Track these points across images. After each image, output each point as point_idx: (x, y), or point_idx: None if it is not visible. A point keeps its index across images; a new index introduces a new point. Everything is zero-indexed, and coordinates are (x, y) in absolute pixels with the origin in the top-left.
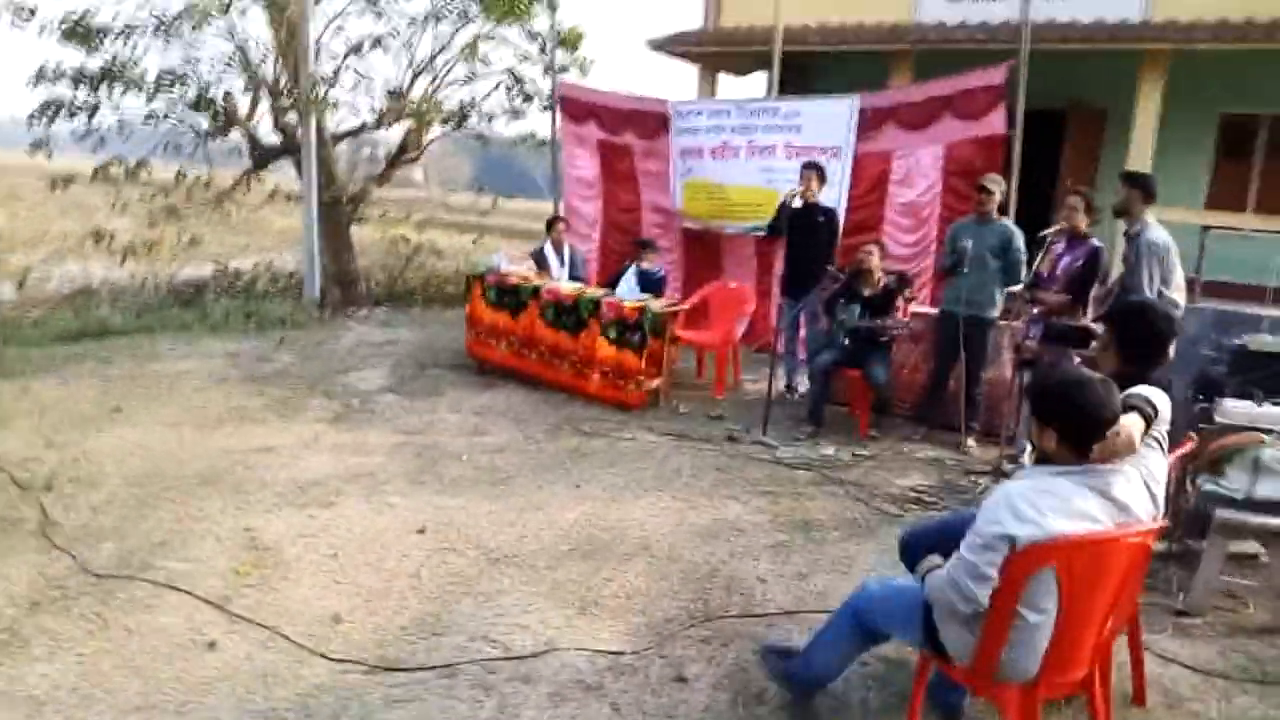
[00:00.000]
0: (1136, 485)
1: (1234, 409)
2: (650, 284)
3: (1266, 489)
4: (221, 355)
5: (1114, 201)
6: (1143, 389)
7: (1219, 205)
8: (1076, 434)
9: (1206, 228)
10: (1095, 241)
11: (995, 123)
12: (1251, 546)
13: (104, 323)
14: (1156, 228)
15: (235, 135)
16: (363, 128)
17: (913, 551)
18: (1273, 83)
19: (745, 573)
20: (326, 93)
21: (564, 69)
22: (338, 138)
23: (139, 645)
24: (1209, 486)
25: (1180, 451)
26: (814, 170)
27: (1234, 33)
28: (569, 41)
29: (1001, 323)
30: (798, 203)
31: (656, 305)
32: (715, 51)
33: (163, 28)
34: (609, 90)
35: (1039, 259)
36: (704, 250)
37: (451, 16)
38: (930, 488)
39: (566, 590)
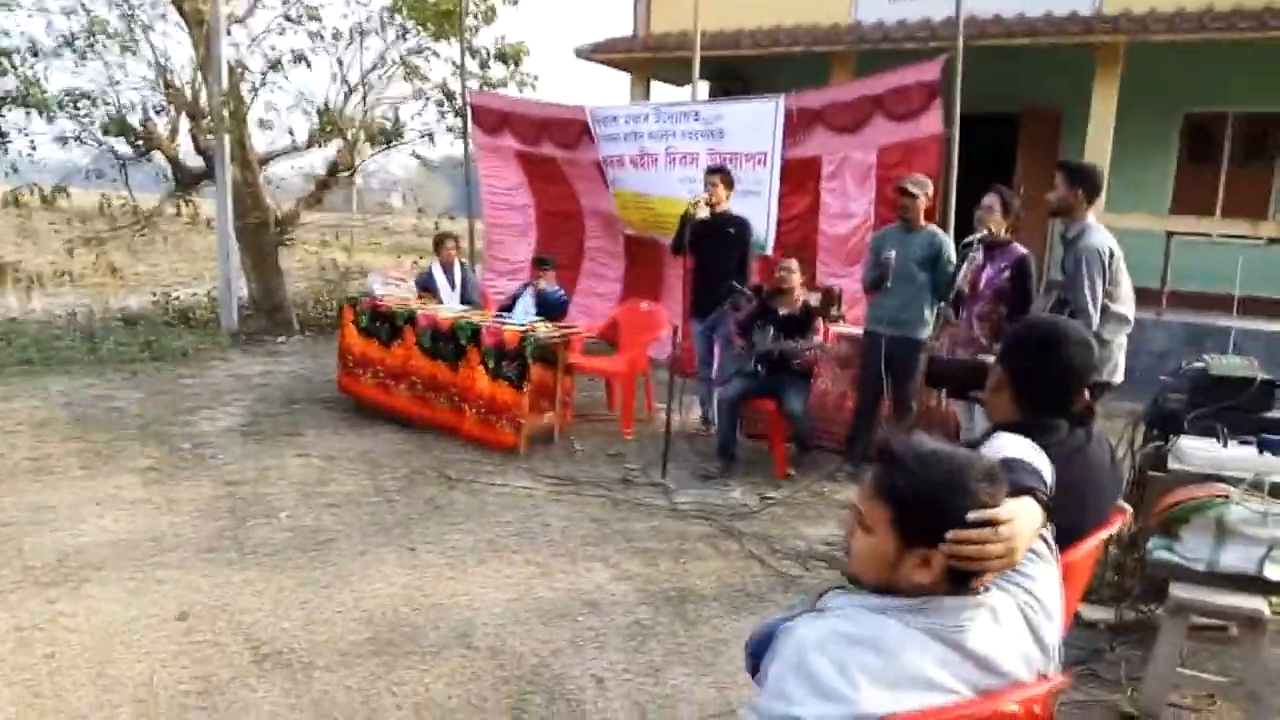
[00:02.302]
0: (1009, 626)
1: (1192, 451)
2: (548, 306)
3: (1233, 558)
4: (58, 393)
5: (1050, 197)
6: (1019, 448)
7: (1185, 210)
8: (920, 531)
9: (1171, 234)
10: (1019, 248)
11: (930, 123)
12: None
13: None
14: (1099, 230)
15: (160, 159)
16: (292, 148)
17: (758, 657)
18: (1238, 78)
19: (580, 670)
20: (237, 111)
21: (502, 84)
22: (265, 159)
23: None
24: (1161, 554)
25: (1100, 536)
26: (719, 175)
27: (1191, 23)
28: (510, 55)
29: (934, 343)
30: (704, 213)
31: (544, 330)
32: (645, 58)
33: (68, 47)
34: (523, 98)
35: (960, 272)
36: (650, 260)
37: (385, 32)
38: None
39: (334, 703)
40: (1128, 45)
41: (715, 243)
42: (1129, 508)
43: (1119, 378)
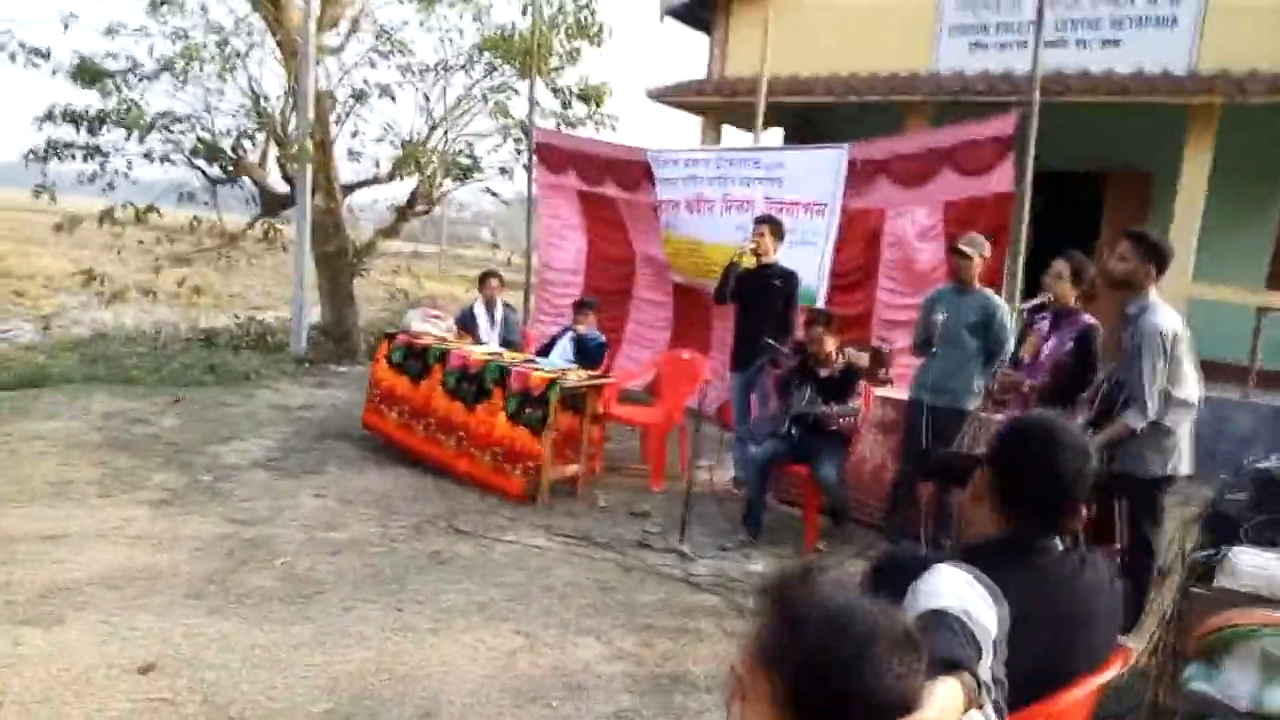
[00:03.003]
0: None
1: (1245, 566)
2: (587, 351)
3: None
4: (101, 413)
5: (1115, 267)
6: (954, 591)
7: None
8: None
9: (1264, 310)
10: (1087, 318)
11: (1001, 179)
12: None
13: (43, 369)
14: (1164, 309)
15: (249, 184)
16: (373, 179)
17: None
18: None
19: None
20: (322, 141)
21: (581, 124)
22: (348, 188)
23: None
24: (1199, 685)
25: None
26: (768, 224)
27: None
28: (592, 96)
29: (984, 415)
30: (750, 262)
31: (574, 376)
32: (717, 102)
33: (167, 71)
34: (588, 137)
35: (1019, 342)
36: (698, 309)
37: (473, 68)
38: None
39: None
40: (1224, 107)
41: (760, 294)
42: (1133, 645)
43: (1185, 469)
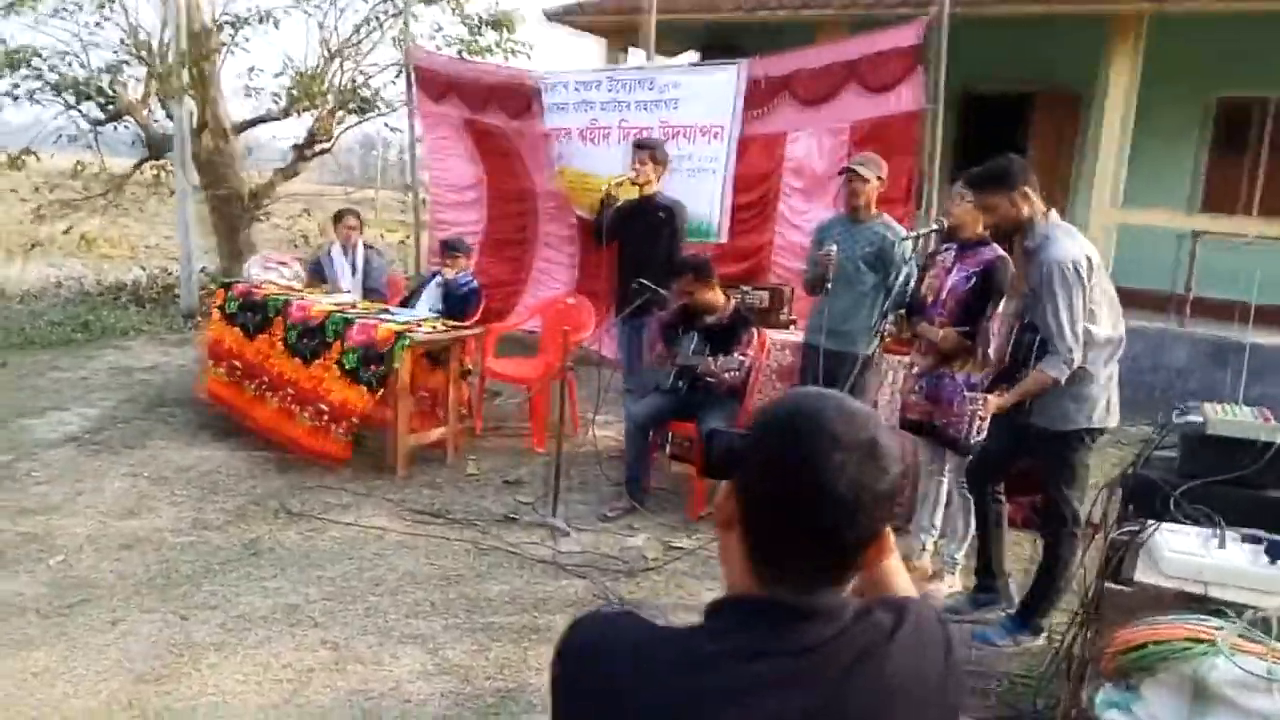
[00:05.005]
0: None
1: (1171, 553)
2: (456, 299)
3: None
4: None
5: (987, 222)
6: None
7: (1213, 207)
8: None
9: (1198, 234)
10: (993, 249)
11: (910, 96)
12: None
13: None
14: (1068, 235)
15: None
16: (266, 116)
17: None
18: (1276, 59)
19: None
20: (202, 74)
21: (488, 52)
22: (241, 127)
23: None
24: (1111, 715)
25: None
26: (648, 151)
27: None
28: (503, 23)
29: (890, 358)
30: (629, 194)
31: (431, 327)
32: (621, 22)
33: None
34: (469, 61)
35: (920, 278)
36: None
37: None
38: None
39: None
40: (1150, 15)
41: (641, 230)
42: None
43: (1114, 419)
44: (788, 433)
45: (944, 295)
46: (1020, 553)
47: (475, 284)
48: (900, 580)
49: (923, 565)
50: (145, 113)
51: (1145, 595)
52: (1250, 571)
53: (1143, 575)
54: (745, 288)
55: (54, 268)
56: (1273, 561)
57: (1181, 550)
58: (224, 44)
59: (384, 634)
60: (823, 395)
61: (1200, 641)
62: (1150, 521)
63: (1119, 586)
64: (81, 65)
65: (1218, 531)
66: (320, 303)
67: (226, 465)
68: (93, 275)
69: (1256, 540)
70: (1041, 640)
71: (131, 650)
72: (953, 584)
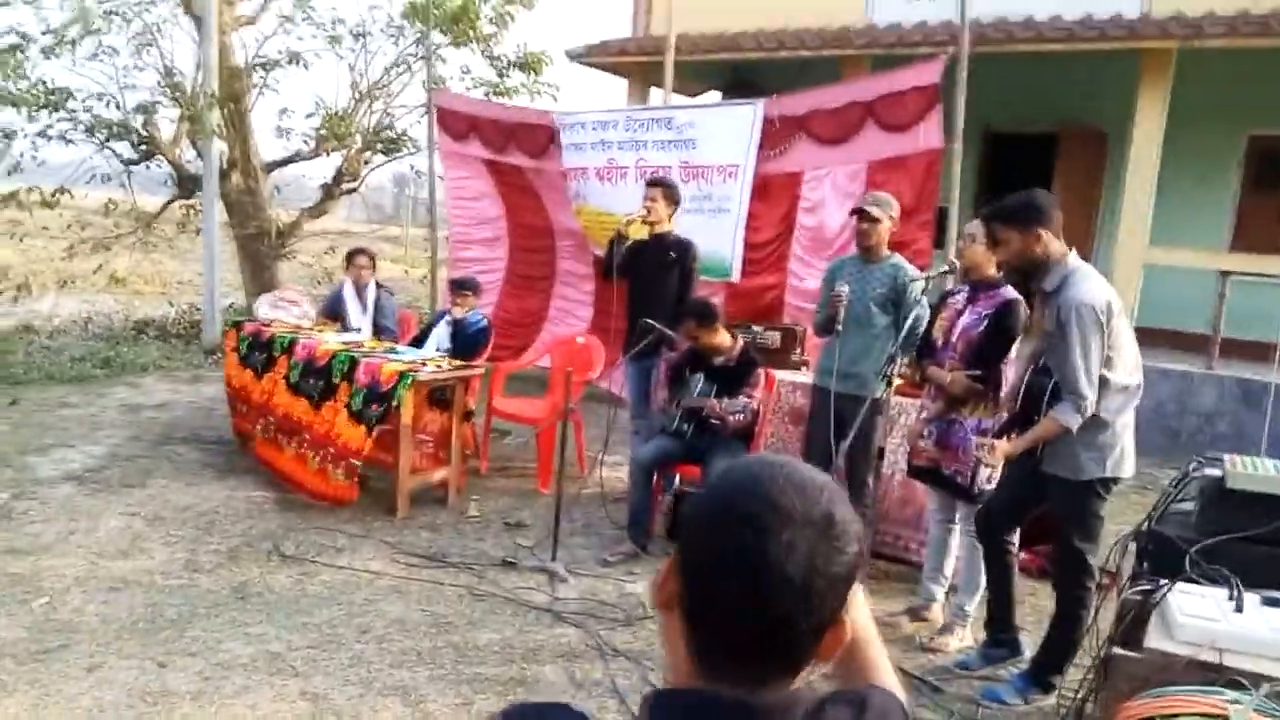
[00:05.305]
0: None
1: (1185, 616)
2: (465, 339)
3: None
4: None
5: (998, 258)
6: None
7: (1245, 247)
8: None
9: (1227, 273)
10: (1009, 291)
11: (929, 135)
12: None
13: None
14: (1089, 276)
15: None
16: (297, 156)
17: None
18: None
19: None
20: (236, 115)
21: (515, 93)
22: (271, 166)
23: None
24: None
25: None
26: (660, 188)
27: (1255, 26)
28: (530, 64)
29: (904, 401)
30: (640, 232)
31: (435, 366)
32: (643, 62)
33: (61, 44)
34: (491, 101)
35: (933, 320)
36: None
37: (404, 37)
38: None
39: None
40: (1179, 52)
41: (652, 268)
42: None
43: (1129, 469)
44: (731, 506)
45: (955, 338)
46: (1037, 604)
47: (485, 323)
48: (875, 664)
49: (933, 617)
50: (177, 152)
51: (1156, 663)
52: (1269, 639)
53: (1154, 641)
54: (757, 328)
55: (87, 304)
56: None
57: (1195, 614)
58: (255, 85)
59: (366, 685)
60: (772, 464)
61: (1212, 718)
62: (1164, 581)
63: (1128, 653)
64: (117, 106)
65: (1235, 595)
66: (327, 342)
67: (225, 505)
68: (124, 311)
69: (1276, 604)
70: (1053, 699)
71: (104, 700)
72: (963, 637)
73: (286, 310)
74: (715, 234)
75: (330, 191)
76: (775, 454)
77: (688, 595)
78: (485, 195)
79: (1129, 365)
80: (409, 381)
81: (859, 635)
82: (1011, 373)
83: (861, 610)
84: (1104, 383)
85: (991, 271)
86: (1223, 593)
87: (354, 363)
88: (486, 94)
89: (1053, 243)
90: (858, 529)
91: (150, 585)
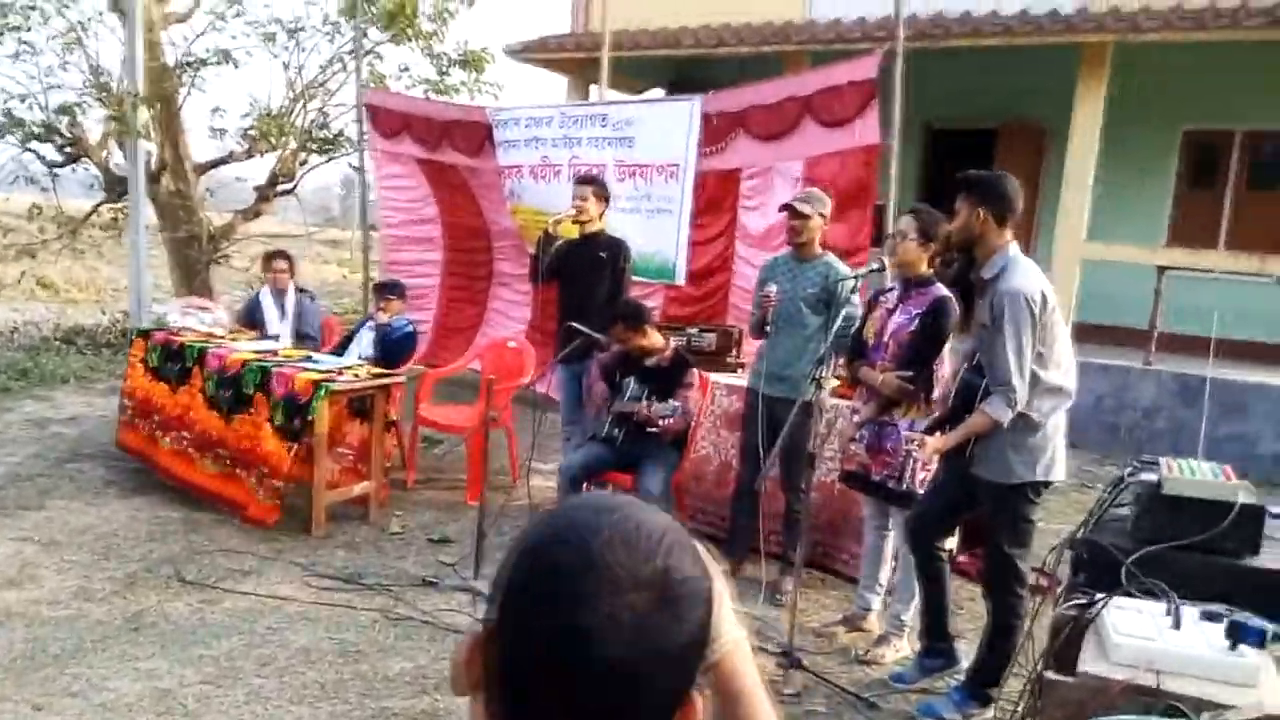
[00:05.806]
0: None
1: (1123, 634)
2: (389, 345)
3: None
4: None
5: (944, 227)
6: None
7: (1182, 242)
8: None
9: (1164, 269)
10: (939, 289)
11: (867, 131)
12: None
13: None
14: (1025, 268)
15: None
16: (229, 157)
17: None
18: (1246, 94)
19: None
20: (166, 114)
21: (455, 91)
22: (204, 168)
23: None
24: None
25: None
26: (591, 185)
27: (1190, 21)
28: (473, 62)
29: (841, 404)
30: (570, 231)
31: (351, 375)
32: (582, 59)
33: None
34: (424, 99)
35: (864, 319)
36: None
37: (335, 33)
38: None
39: None
40: (1116, 46)
41: (583, 269)
42: None
43: (1059, 473)
44: (541, 571)
45: (886, 338)
46: (976, 610)
47: (411, 328)
48: None
49: (870, 626)
50: (104, 154)
51: (1091, 686)
52: (1208, 659)
53: (1089, 662)
54: (692, 330)
55: (17, 312)
56: (1233, 646)
57: (1131, 633)
58: (183, 84)
59: None
60: (599, 508)
61: None
62: (1099, 596)
63: (1062, 677)
64: (41, 108)
65: (1171, 609)
66: (238, 350)
67: (127, 527)
68: (54, 320)
69: (1216, 618)
70: (991, 712)
71: None
72: (900, 648)
73: (196, 316)
74: (657, 234)
75: (265, 194)
76: (612, 494)
77: (501, 677)
78: (419, 195)
79: (1062, 366)
80: (324, 392)
81: (738, 693)
82: (945, 371)
83: (745, 665)
84: (1035, 380)
85: (923, 269)
86: (1160, 607)
87: (266, 373)
88: (426, 93)
89: (993, 229)
90: (706, 586)
91: (34, 618)
